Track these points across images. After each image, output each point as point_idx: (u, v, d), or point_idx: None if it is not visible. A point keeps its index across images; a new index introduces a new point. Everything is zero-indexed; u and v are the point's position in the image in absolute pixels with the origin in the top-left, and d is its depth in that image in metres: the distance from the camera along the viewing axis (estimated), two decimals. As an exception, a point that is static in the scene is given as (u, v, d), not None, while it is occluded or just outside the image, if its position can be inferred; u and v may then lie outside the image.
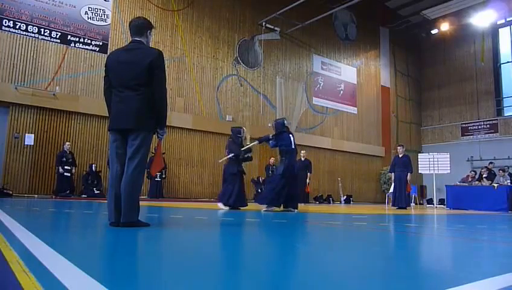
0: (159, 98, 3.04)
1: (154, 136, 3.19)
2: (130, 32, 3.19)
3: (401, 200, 10.20)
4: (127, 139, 3.03)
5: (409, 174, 10.23)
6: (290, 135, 7.06)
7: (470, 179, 12.94)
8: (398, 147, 10.88)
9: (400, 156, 10.51)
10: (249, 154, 7.54)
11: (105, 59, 3.22)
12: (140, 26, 3.17)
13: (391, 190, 10.64)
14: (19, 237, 2.25)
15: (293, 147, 6.94)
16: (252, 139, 7.97)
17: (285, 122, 7.27)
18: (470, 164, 18.02)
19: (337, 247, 2.73)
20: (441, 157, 13.73)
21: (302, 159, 12.10)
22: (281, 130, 7.01)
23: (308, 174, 12.06)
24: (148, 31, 3.20)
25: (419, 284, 1.49)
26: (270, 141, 7.13)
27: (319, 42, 16.87)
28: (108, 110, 3.15)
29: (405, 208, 10.10)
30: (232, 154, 7.15)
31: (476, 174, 13.36)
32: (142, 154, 3.01)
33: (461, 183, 12.90)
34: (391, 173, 10.79)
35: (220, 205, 7.15)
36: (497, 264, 2.07)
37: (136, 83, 2.99)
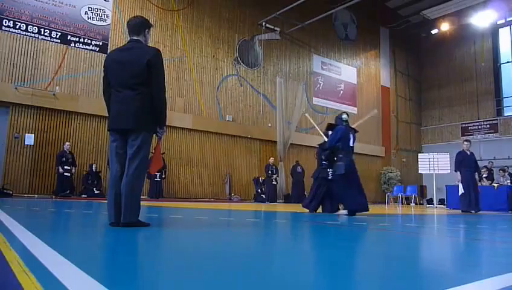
0: (157, 96, 3.03)
1: (154, 135, 3.19)
2: (128, 31, 3.18)
3: (474, 203, 8.93)
4: (127, 139, 3.01)
5: (476, 173, 9.16)
6: (350, 132, 6.31)
7: None
8: (466, 142, 9.38)
9: (468, 152, 9.23)
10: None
11: (105, 59, 3.22)
12: (138, 25, 3.15)
13: (461, 190, 9.13)
14: (19, 237, 2.25)
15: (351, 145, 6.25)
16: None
17: (344, 116, 6.43)
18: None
19: (336, 247, 2.73)
20: (441, 157, 13.73)
21: None
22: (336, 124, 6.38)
23: None
24: (146, 30, 3.18)
25: (419, 284, 1.49)
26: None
27: (319, 42, 16.88)
28: (108, 111, 3.14)
29: (478, 212, 9.02)
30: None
31: None
32: (143, 155, 3.00)
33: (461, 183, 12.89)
34: (457, 171, 9.26)
35: (340, 212, 6.44)
36: (497, 264, 2.07)
37: (135, 82, 2.98)
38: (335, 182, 6.16)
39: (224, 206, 8.71)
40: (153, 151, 3.54)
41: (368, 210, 6.09)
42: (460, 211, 9.38)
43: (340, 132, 6.21)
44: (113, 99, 3.06)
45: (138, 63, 2.97)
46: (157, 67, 3.03)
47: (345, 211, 6.13)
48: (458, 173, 9.22)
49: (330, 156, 6.37)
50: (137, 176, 2.97)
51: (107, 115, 3.16)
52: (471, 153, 9.23)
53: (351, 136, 6.27)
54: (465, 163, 9.14)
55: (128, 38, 3.20)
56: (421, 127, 21.32)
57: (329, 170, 6.28)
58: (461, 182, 9.12)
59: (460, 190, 9.16)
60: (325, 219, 5.03)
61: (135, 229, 2.84)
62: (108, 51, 10.74)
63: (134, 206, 2.96)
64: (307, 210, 6.66)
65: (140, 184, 3.05)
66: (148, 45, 3.25)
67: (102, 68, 3.18)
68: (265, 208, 8.21)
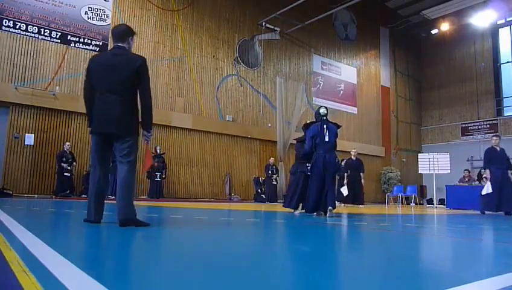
0: (146, 102, 3.19)
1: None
2: (113, 38, 3.32)
3: (508, 203, 8.24)
4: (113, 142, 3.16)
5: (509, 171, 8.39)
6: (325, 126, 6.00)
7: (466, 179, 12.97)
8: (495, 138, 8.74)
9: (498, 149, 8.56)
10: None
11: (88, 63, 3.28)
12: (122, 33, 3.29)
13: (488, 190, 8.45)
14: (19, 237, 2.25)
15: (326, 140, 5.93)
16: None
17: (321, 110, 6.15)
18: (470, 164, 18.03)
19: (336, 247, 2.73)
20: (441, 157, 13.73)
21: (353, 158, 11.46)
22: (312, 122, 6.22)
23: (362, 174, 11.46)
24: (130, 37, 3.32)
25: (419, 284, 1.49)
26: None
27: (319, 42, 16.88)
28: (89, 113, 3.23)
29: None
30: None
31: (470, 173, 13.44)
32: (133, 157, 3.17)
33: (461, 184, 12.91)
34: (486, 169, 8.65)
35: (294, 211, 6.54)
36: (497, 264, 2.07)
37: (123, 87, 3.12)
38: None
39: (224, 206, 8.71)
40: (144, 151, 3.67)
41: (313, 212, 5.81)
42: (480, 212, 8.77)
43: (312, 130, 6.02)
44: (99, 103, 3.14)
45: (128, 69, 3.12)
46: (146, 74, 3.20)
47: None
48: (488, 171, 8.56)
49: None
50: (130, 178, 3.13)
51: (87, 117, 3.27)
52: (502, 149, 8.59)
53: (327, 131, 5.96)
54: (495, 160, 8.47)
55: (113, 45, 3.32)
56: (421, 127, 21.32)
57: (308, 165, 6.15)
58: (490, 181, 8.45)
59: (487, 189, 8.42)
60: (324, 219, 5.03)
61: (135, 229, 2.85)
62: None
63: (131, 205, 3.08)
64: (291, 210, 6.51)
65: (134, 185, 3.24)
66: (134, 51, 3.42)
67: (85, 71, 3.26)
68: (265, 208, 8.21)
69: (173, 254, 2.09)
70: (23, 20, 9.91)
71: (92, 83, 3.17)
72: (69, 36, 10.61)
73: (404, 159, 19.87)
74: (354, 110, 17.91)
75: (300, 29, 15.42)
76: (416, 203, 16.19)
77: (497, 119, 18.41)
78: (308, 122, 6.58)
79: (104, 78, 3.12)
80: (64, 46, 10.52)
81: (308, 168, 6.10)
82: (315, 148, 5.97)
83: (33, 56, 10.04)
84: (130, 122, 3.16)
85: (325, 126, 5.99)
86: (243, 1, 14.44)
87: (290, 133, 14.61)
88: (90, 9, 11.03)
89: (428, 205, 16.93)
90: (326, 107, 6.35)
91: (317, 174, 5.85)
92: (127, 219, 3.00)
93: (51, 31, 10.32)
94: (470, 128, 19.25)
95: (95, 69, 3.17)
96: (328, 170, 5.82)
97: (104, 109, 3.10)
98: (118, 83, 3.09)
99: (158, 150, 11.33)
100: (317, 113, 6.22)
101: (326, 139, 5.89)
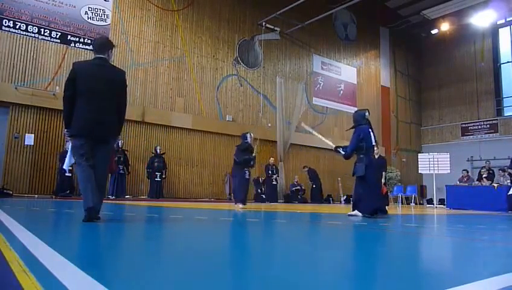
0: (123, 111, 3.56)
1: None
2: (93, 49, 3.56)
3: None
4: (99, 144, 3.39)
5: None
6: (370, 130, 6.05)
7: (465, 180, 12.99)
8: None
9: None
10: (251, 161, 7.90)
11: (74, 67, 3.44)
12: (103, 45, 3.52)
13: None
14: (19, 237, 2.25)
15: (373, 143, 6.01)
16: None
17: (367, 114, 6.21)
18: (470, 164, 18.03)
19: (337, 247, 2.73)
20: (441, 157, 13.73)
21: (377, 156, 11.33)
22: (360, 123, 6.12)
23: (384, 173, 11.06)
24: (110, 50, 3.55)
25: (419, 284, 1.49)
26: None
27: (319, 42, 16.87)
28: (69, 114, 3.36)
29: None
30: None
31: (468, 173, 13.45)
32: (110, 157, 3.66)
33: (461, 184, 12.91)
34: None
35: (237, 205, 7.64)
36: (497, 264, 2.07)
37: (112, 96, 3.42)
38: (356, 181, 5.91)
39: (224, 206, 8.71)
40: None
41: (385, 212, 5.90)
42: (509, 212, 8.68)
43: (362, 131, 5.92)
44: (87, 107, 3.33)
45: (118, 80, 3.49)
46: (126, 85, 3.59)
47: (359, 213, 5.71)
48: None
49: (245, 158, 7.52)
50: (106, 175, 3.63)
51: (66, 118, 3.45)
52: None
53: (372, 134, 5.99)
54: None
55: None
56: (421, 127, 21.32)
57: (246, 170, 7.49)
58: None
59: None
60: (324, 219, 5.03)
61: (135, 229, 2.86)
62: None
63: (102, 201, 3.42)
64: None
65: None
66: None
67: (71, 74, 3.39)
68: (265, 208, 8.21)
69: (174, 253, 2.08)
70: (23, 20, 9.91)
71: (75, 87, 3.34)
72: (69, 36, 10.61)
73: (404, 159, 19.87)
74: (354, 110, 17.89)
75: (300, 29, 15.43)
76: (416, 203, 16.19)
77: (497, 119, 18.41)
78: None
79: (97, 87, 3.35)
80: (64, 46, 10.52)
81: (361, 170, 5.76)
82: (366, 152, 5.83)
83: (33, 56, 10.04)
84: (117, 127, 3.54)
85: (370, 130, 5.99)
86: (243, 1, 14.44)
87: (290, 133, 14.60)
88: (90, 9, 11.03)
89: (428, 205, 16.93)
90: (369, 111, 6.33)
91: (374, 177, 5.87)
92: (98, 214, 3.25)
93: (51, 31, 10.31)
94: (470, 128, 19.25)
95: (82, 75, 3.36)
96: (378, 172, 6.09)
97: (96, 114, 3.33)
98: (112, 92, 3.40)
99: (158, 150, 11.33)
100: (362, 116, 6.09)
101: (373, 142, 5.96)
